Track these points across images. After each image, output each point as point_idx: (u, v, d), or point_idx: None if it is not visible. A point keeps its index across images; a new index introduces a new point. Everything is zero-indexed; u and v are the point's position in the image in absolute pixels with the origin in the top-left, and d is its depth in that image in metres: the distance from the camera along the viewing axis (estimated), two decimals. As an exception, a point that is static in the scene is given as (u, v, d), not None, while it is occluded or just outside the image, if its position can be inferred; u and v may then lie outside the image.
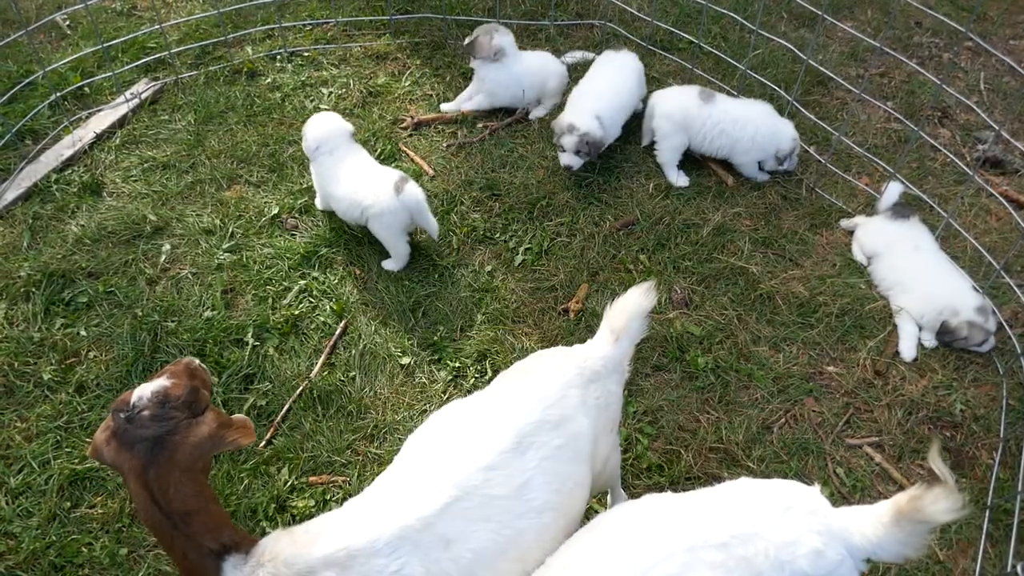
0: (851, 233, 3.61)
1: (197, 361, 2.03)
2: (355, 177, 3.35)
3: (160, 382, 1.83)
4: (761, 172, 3.82)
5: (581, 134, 3.60)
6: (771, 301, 3.33)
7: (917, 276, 3.27)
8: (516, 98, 4.13)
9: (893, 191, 3.56)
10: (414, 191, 3.27)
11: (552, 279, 3.40)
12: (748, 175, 3.83)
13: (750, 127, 3.70)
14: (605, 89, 3.83)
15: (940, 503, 1.63)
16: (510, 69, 4.04)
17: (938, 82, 3.27)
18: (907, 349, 3.17)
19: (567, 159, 3.67)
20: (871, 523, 1.72)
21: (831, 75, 3.79)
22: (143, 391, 1.80)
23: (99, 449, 1.79)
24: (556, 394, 2.00)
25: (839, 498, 2.78)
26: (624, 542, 1.73)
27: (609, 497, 2.64)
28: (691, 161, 3.92)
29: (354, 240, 3.55)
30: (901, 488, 2.72)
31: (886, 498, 1.80)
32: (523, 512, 1.86)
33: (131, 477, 1.74)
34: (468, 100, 4.19)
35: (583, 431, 2.00)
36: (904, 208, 3.52)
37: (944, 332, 3.12)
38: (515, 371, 2.14)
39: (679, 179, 3.79)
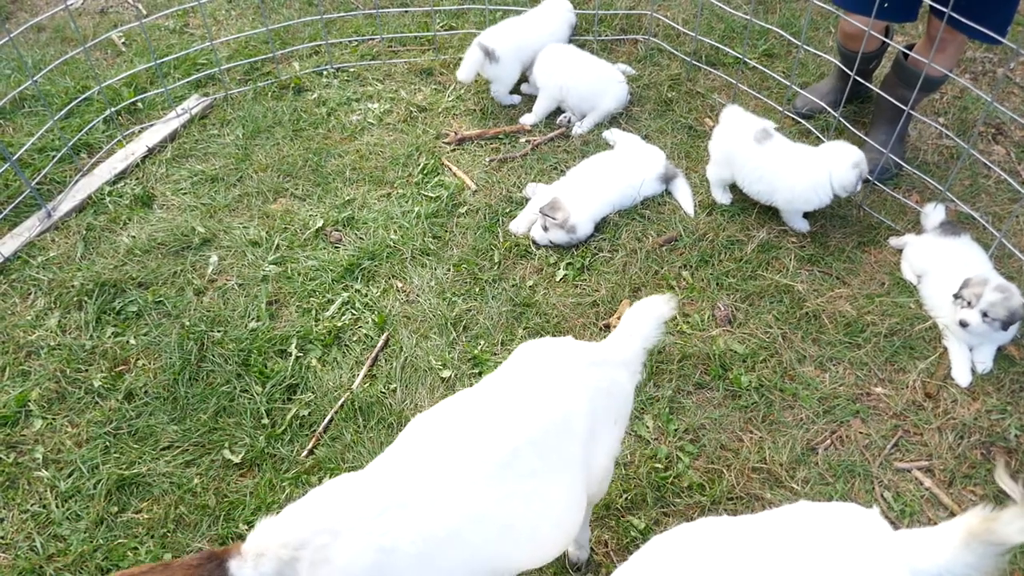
0: (900, 251, 3.54)
1: None
2: None
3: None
4: (802, 221, 3.64)
5: (575, 237, 3.54)
6: (817, 320, 3.27)
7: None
8: (550, 96, 4.23)
9: (936, 212, 3.49)
10: None
11: (594, 294, 3.38)
12: (788, 223, 3.65)
13: (790, 178, 3.48)
14: (613, 191, 3.69)
15: (1016, 522, 1.57)
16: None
17: (989, 99, 3.19)
18: (960, 374, 3.08)
19: (540, 237, 3.57)
20: (938, 547, 1.66)
21: (879, 92, 3.73)
22: None
23: None
24: (552, 368, 2.00)
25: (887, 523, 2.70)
26: (684, 569, 1.69)
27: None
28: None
29: (396, 253, 3.58)
30: (952, 514, 2.64)
31: (936, 524, 1.75)
32: (510, 478, 1.85)
33: None
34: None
35: (579, 408, 1.98)
36: (954, 226, 3.44)
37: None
38: (519, 353, 2.13)
39: (722, 196, 3.75)
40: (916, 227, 3.61)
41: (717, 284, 3.41)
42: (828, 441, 2.92)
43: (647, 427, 2.93)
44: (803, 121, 4.08)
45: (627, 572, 1.78)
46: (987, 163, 3.61)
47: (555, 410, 1.95)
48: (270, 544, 1.77)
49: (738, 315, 3.30)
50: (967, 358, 3.11)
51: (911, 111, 3.53)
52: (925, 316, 3.28)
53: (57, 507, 2.80)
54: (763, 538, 1.71)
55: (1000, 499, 2.74)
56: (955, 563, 1.66)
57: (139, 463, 2.91)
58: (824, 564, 1.64)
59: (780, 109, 4.12)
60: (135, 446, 2.96)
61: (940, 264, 3.30)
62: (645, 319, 2.17)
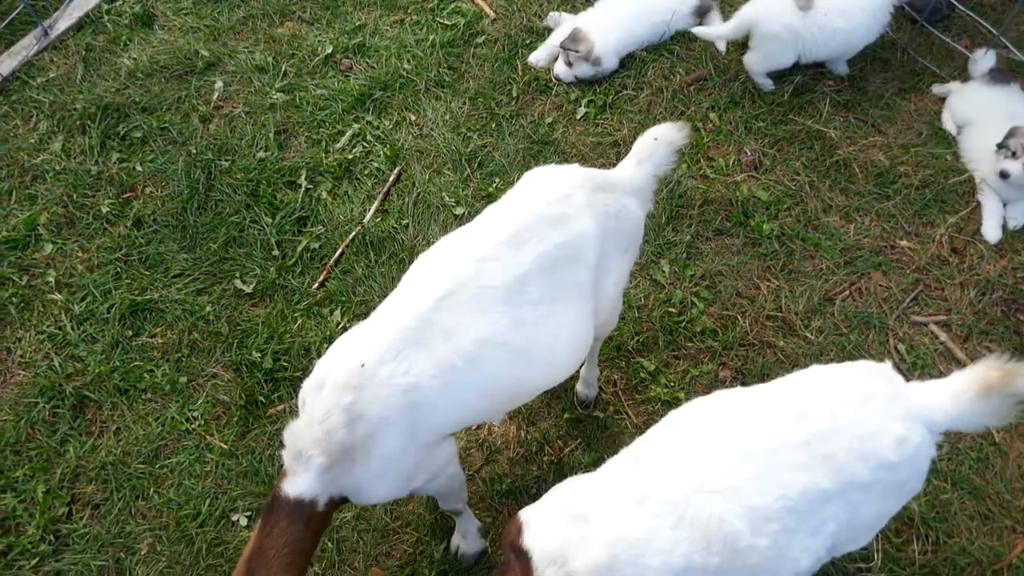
0: (942, 100, 3.33)
1: None
2: None
3: None
4: (844, 64, 3.39)
5: (600, 70, 3.34)
6: (847, 168, 3.13)
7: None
8: None
9: (986, 58, 3.25)
10: None
11: (615, 134, 3.23)
12: (830, 66, 3.39)
13: (858, 13, 3.18)
14: (642, 25, 3.43)
15: None
16: None
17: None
18: (990, 230, 2.97)
19: (563, 73, 3.37)
20: (952, 398, 1.65)
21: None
22: None
23: None
24: (560, 193, 1.93)
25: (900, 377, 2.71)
26: (700, 443, 1.66)
27: (584, 368, 2.57)
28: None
29: (409, 84, 3.41)
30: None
31: (948, 378, 1.72)
32: (520, 303, 1.84)
33: None
34: None
35: (587, 232, 1.92)
36: (1004, 74, 3.22)
37: None
38: (525, 179, 2.06)
39: (766, 83, 3.38)
40: (963, 74, 3.38)
41: (745, 127, 3.24)
42: (847, 292, 2.87)
43: (663, 272, 2.88)
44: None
45: (644, 443, 1.77)
46: (1050, 5, 3.33)
47: (563, 235, 1.88)
48: (302, 436, 1.75)
49: (765, 161, 3.16)
50: (999, 214, 3.00)
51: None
52: (961, 169, 3.13)
53: (72, 329, 2.83)
54: (780, 412, 1.67)
55: (1016, 353, 2.72)
56: (969, 412, 1.65)
57: (151, 289, 2.91)
58: (843, 434, 1.61)
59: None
60: (146, 273, 2.95)
61: (985, 114, 3.11)
62: (656, 146, 2.07)
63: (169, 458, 2.59)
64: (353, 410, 1.72)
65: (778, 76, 3.37)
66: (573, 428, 2.62)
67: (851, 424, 1.62)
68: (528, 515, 1.71)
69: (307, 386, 1.83)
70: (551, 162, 3.15)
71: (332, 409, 1.72)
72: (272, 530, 1.75)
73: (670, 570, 1.56)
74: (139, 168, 3.20)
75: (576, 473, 2.47)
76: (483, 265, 1.83)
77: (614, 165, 3.13)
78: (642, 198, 2.10)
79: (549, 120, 3.29)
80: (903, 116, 3.30)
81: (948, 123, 3.25)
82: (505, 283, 1.83)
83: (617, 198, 2.01)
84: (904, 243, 2.98)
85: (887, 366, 1.78)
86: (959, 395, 1.65)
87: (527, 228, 1.87)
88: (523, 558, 1.63)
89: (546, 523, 1.65)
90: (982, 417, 1.64)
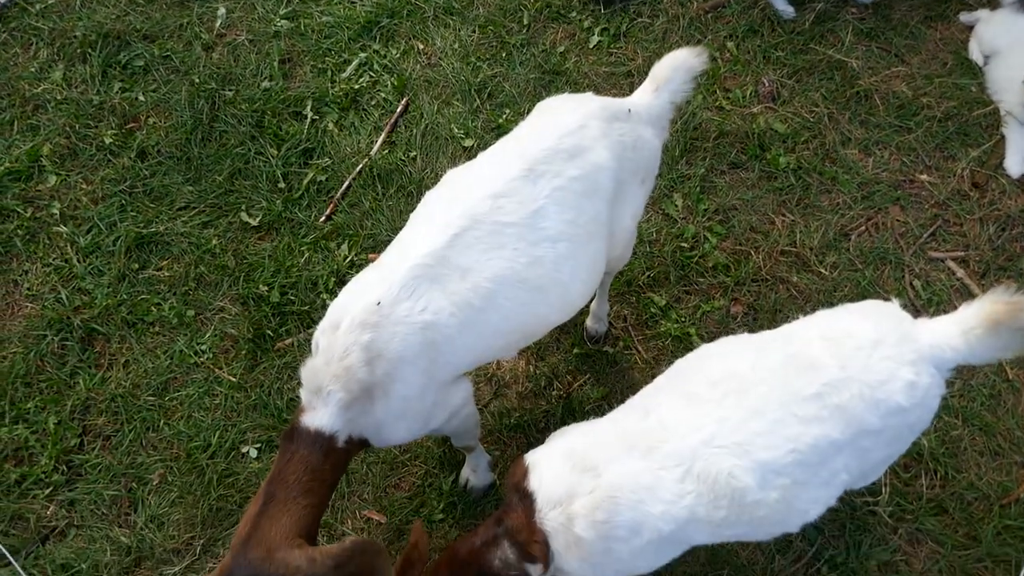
0: (970, 28, 3.20)
1: None
2: None
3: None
4: None
5: None
6: (868, 100, 3.03)
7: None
8: None
9: None
10: None
11: (629, 64, 3.13)
12: None
13: None
14: None
15: None
16: None
17: None
18: (1014, 164, 2.89)
19: None
20: (961, 334, 1.61)
21: None
22: None
23: None
24: (574, 124, 1.86)
25: (912, 312, 2.66)
26: (709, 396, 1.63)
27: (594, 303, 2.54)
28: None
29: (417, 11, 3.30)
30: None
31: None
32: (537, 240, 1.79)
33: None
34: None
35: (604, 164, 1.86)
36: (1037, 1, 3.08)
37: None
38: (537, 110, 2.00)
39: (787, 10, 3.24)
40: (992, 1, 3.24)
41: (764, 57, 3.13)
42: (863, 227, 2.81)
43: (676, 205, 2.83)
44: None
45: (652, 393, 1.76)
46: (1088, -74, 3.16)
47: (579, 168, 1.82)
48: (322, 373, 1.72)
49: (783, 92, 3.07)
50: (1024, 148, 2.91)
51: None
52: (986, 100, 3.03)
53: (79, 262, 2.81)
54: (790, 363, 1.64)
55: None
56: (980, 348, 1.62)
57: (156, 222, 2.88)
58: (854, 382, 1.58)
59: None
60: (151, 205, 2.92)
61: (1013, 43, 2.99)
62: (674, 70, 2.00)
63: (178, 391, 2.60)
64: (372, 348, 1.69)
65: (800, 3, 3.25)
66: (582, 363, 2.60)
67: (862, 372, 1.59)
68: (534, 458, 1.71)
69: (321, 328, 1.80)
70: (563, 92, 3.06)
71: (351, 347, 1.69)
72: (292, 457, 1.75)
73: (672, 520, 1.57)
74: (141, 98, 3.13)
75: (585, 408, 2.50)
76: (498, 201, 1.77)
77: (628, 95, 3.05)
78: (659, 127, 2.03)
79: (561, 49, 3.19)
80: (928, 45, 3.18)
81: (974, 53, 3.13)
82: (521, 219, 1.77)
83: (633, 127, 1.94)
84: (924, 177, 2.90)
85: (894, 304, 1.74)
86: (968, 331, 1.62)
87: (542, 161, 1.81)
88: (527, 500, 1.64)
89: (551, 467, 1.66)
90: (993, 351, 1.61)
